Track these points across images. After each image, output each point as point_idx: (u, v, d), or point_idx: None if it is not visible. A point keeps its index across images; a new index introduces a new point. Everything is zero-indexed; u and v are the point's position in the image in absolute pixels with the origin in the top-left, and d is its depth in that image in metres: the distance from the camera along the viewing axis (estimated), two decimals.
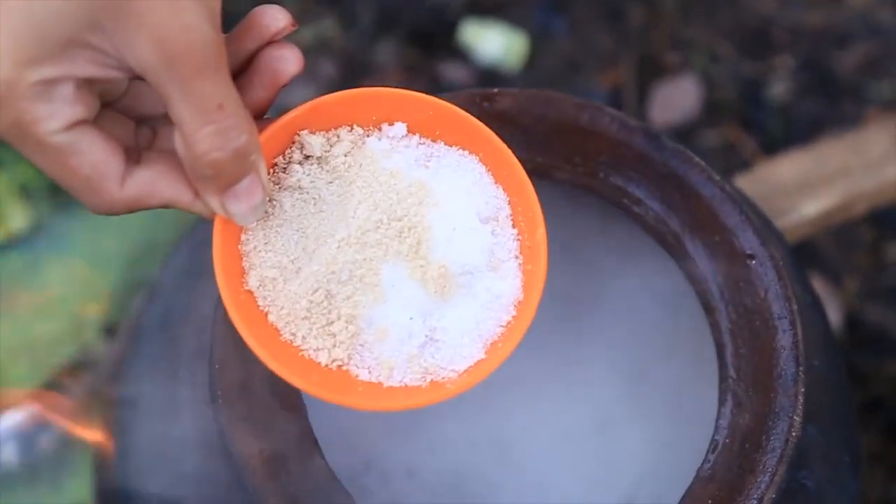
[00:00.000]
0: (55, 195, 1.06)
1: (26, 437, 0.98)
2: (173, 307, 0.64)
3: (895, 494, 0.99)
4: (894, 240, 1.11)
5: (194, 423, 0.59)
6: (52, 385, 0.98)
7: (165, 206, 0.49)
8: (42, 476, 0.97)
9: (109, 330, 1.01)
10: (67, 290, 1.03)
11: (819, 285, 0.95)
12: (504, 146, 0.53)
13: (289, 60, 0.49)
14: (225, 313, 0.57)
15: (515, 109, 0.62)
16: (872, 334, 1.06)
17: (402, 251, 0.51)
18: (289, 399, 0.57)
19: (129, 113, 0.50)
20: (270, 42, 0.49)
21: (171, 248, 0.72)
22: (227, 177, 0.47)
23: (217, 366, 0.56)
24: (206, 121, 0.45)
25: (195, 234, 0.69)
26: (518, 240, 0.53)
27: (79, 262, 1.05)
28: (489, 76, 1.19)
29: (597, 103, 0.62)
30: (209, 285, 0.63)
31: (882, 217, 1.09)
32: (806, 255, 1.07)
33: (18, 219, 1.06)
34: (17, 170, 1.05)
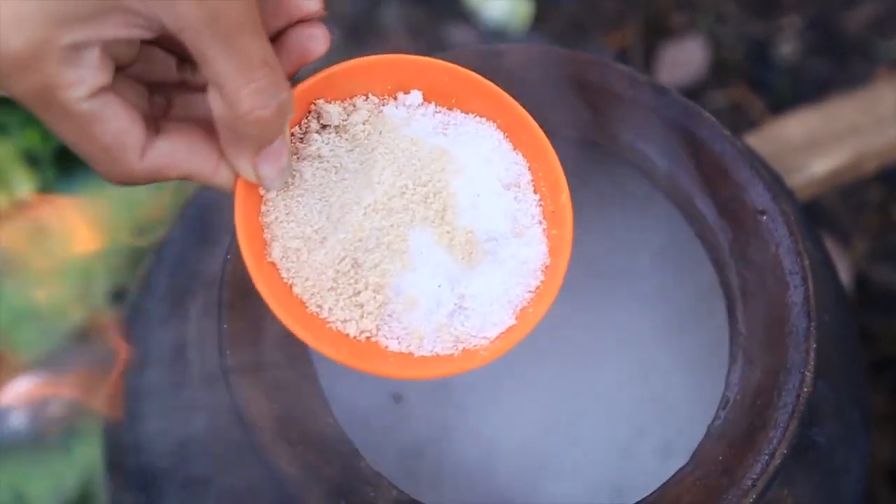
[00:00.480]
0: (60, 161, 1.06)
1: (35, 404, 0.98)
2: (180, 270, 0.64)
3: None
4: None
5: (203, 384, 0.59)
6: (61, 351, 0.98)
7: (184, 178, 0.48)
8: (51, 442, 0.97)
9: (117, 295, 1.01)
10: (75, 255, 1.03)
11: (828, 246, 0.94)
12: (524, 112, 0.52)
13: (318, 40, 0.49)
14: (232, 275, 0.56)
15: (523, 66, 0.61)
16: (881, 294, 1.06)
17: (429, 217, 0.50)
18: (298, 360, 0.56)
19: (142, 79, 0.49)
20: (300, 21, 0.49)
21: (176, 211, 0.71)
22: (268, 135, 0.46)
23: (225, 326, 0.56)
24: (250, 78, 0.44)
25: (200, 198, 0.69)
26: (541, 205, 0.52)
27: (86, 228, 1.04)
28: (495, 39, 1.18)
29: (605, 59, 0.61)
30: (216, 247, 0.63)
31: (891, 177, 1.09)
32: (814, 215, 1.07)
33: (24, 185, 1.05)
34: (21, 136, 1.04)
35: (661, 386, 0.75)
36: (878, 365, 1.03)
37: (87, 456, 0.97)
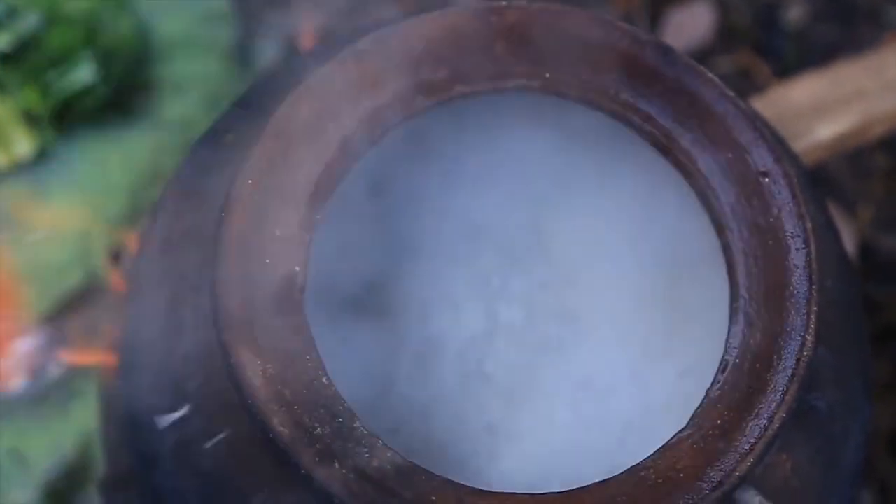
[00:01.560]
0: (61, 121, 1.05)
1: (34, 365, 0.98)
2: (175, 228, 0.63)
3: None
4: None
5: (197, 342, 0.59)
6: (60, 310, 0.98)
7: None
8: (49, 403, 0.97)
9: (115, 256, 1.00)
10: (73, 217, 1.03)
11: (832, 213, 0.93)
12: None
13: None
14: (226, 233, 0.56)
15: (524, 23, 0.60)
16: (886, 263, 1.05)
17: None
18: (292, 318, 0.56)
19: None
20: None
21: (172, 170, 0.71)
22: None
23: (219, 284, 0.55)
24: None
25: (195, 156, 0.68)
26: None
27: (85, 189, 1.04)
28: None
29: (608, 17, 0.61)
30: (211, 205, 0.62)
31: None
32: (819, 182, 1.06)
33: (24, 145, 1.05)
34: (21, 95, 1.03)
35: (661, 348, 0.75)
36: (882, 334, 1.02)
37: (86, 418, 0.96)
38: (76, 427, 0.96)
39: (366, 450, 0.54)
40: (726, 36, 1.15)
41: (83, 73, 1.04)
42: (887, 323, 1.03)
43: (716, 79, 0.60)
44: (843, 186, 1.08)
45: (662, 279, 0.74)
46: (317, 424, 0.54)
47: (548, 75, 0.61)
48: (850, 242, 1.04)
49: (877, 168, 1.09)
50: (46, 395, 0.98)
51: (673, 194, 0.66)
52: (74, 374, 0.98)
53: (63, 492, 0.94)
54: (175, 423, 0.59)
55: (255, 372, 0.54)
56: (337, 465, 0.53)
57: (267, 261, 0.56)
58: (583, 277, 0.77)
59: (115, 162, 1.06)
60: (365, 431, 0.54)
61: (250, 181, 0.57)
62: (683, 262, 0.72)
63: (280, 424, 0.53)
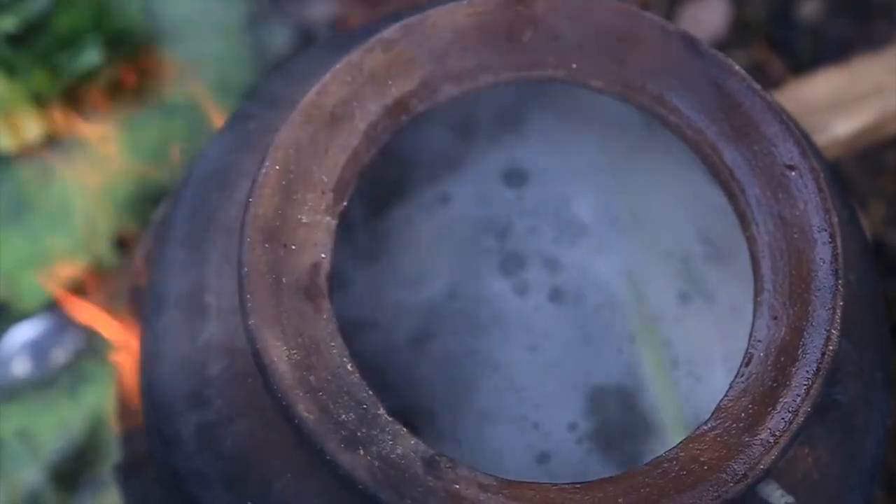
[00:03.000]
0: (69, 104, 1.05)
1: (40, 349, 0.98)
2: (199, 212, 0.63)
3: None
4: None
5: (221, 328, 0.59)
6: (73, 291, 0.98)
7: None
8: (58, 386, 0.97)
9: (121, 241, 1.00)
10: (80, 201, 1.02)
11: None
12: None
13: None
14: (252, 219, 0.56)
15: (550, 13, 0.60)
16: None
17: None
18: (318, 304, 0.56)
19: None
20: None
21: (192, 154, 0.71)
22: None
23: (245, 269, 0.55)
24: None
25: (218, 142, 0.68)
26: None
27: (92, 173, 1.04)
28: None
29: (635, 8, 0.60)
30: (235, 192, 0.62)
31: None
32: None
33: (32, 128, 1.04)
34: (30, 77, 1.03)
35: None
36: (893, 330, 1.02)
37: (95, 401, 0.96)
38: (85, 410, 0.96)
39: (390, 437, 0.54)
40: (740, 30, 1.14)
41: (91, 56, 1.04)
42: None
43: (743, 71, 0.60)
44: (854, 183, 1.08)
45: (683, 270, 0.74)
46: (342, 411, 0.54)
47: (574, 66, 0.61)
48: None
49: (889, 165, 1.09)
50: (55, 378, 0.98)
51: (698, 185, 0.66)
52: (82, 358, 0.98)
53: (71, 473, 0.94)
54: (197, 408, 0.58)
55: (280, 357, 0.54)
56: (362, 452, 0.53)
57: (293, 247, 0.56)
58: None
59: (122, 145, 1.05)
60: (389, 419, 0.54)
61: (277, 167, 0.57)
62: (706, 253, 0.72)
63: (305, 410, 0.53)
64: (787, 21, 1.15)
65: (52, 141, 1.05)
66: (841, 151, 0.87)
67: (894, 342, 0.95)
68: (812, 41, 1.14)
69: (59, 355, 0.98)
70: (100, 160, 1.04)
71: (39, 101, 1.04)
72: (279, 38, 1.13)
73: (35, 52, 1.04)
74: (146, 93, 1.07)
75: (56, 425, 0.96)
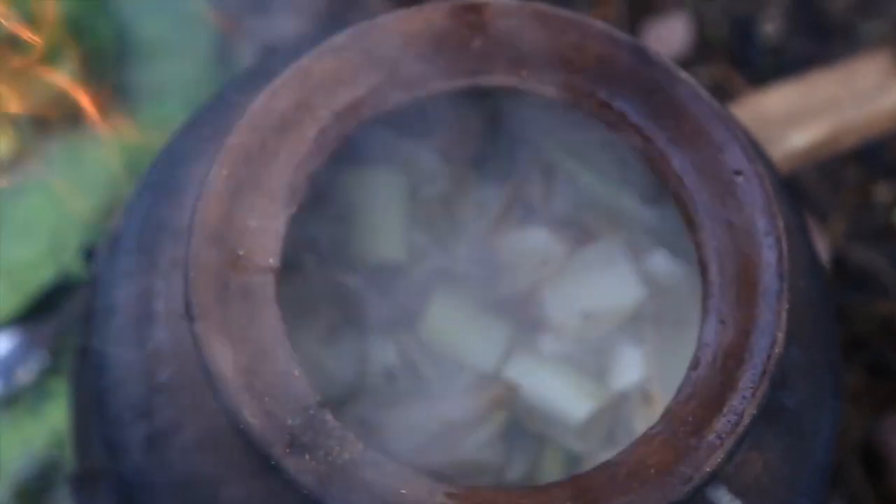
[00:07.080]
0: (38, 120, 1.05)
1: (5, 367, 0.97)
2: (149, 220, 0.63)
3: (877, 432, 0.99)
4: (881, 179, 1.10)
5: (169, 334, 0.59)
6: (32, 309, 0.97)
7: None
8: (21, 404, 0.96)
9: (89, 253, 1.00)
10: (47, 214, 1.02)
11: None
12: None
13: None
14: (200, 224, 0.56)
15: (500, 21, 0.60)
16: (857, 273, 1.06)
17: None
18: (265, 310, 0.56)
19: None
20: None
21: (146, 166, 0.71)
22: None
23: (191, 273, 0.55)
24: None
25: (170, 150, 0.68)
26: None
27: (59, 186, 1.03)
28: None
29: (583, 17, 0.61)
30: (183, 198, 0.62)
31: (869, 155, 1.08)
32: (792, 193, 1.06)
33: (2, 145, 1.04)
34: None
35: None
36: (854, 344, 1.03)
37: (58, 418, 0.96)
38: (48, 427, 0.95)
39: (337, 442, 0.53)
40: (703, 48, 1.15)
41: (62, 75, 1.04)
42: (859, 333, 1.03)
43: (691, 79, 0.60)
44: (816, 198, 1.09)
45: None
46: (288, 416, 0.53)
47: (525, 73, 0.61)
48: (823, 253, 1.04)
49: (849, 180, 1.10)
50: (18, 396, 0.97)
51: (647, 192, 0.67)
52: (46, 376, 0.98)
53: (34, 491, 0.93)
54: (146, 415, 0.58)
55: (226, 362, 0.54)
56: (307, 457, 0.53)
57: (241, 252, 0.56)
58: None
59: (90, 162, 1.05)
60: (336, 424, 0.54)
61: (225, 172, 0.57)
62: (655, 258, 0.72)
63: (251, 415, 0.53)
64: (749, 40, 1.16)
65: (20, 157, 1.05)
66: (799, 163, 0.87)
67: (849, 357, 0.95)
68: (773, 59, 1.15)
69: (24, 371, 0.98)
70: (69, 174, 1.04)
71: (8, 119, 1.04)
72: (248, 57, 1.14)
73: (5, 70, 1.04)
74: (116, 112, 1.07)
75: (20, 445, 0.95)
